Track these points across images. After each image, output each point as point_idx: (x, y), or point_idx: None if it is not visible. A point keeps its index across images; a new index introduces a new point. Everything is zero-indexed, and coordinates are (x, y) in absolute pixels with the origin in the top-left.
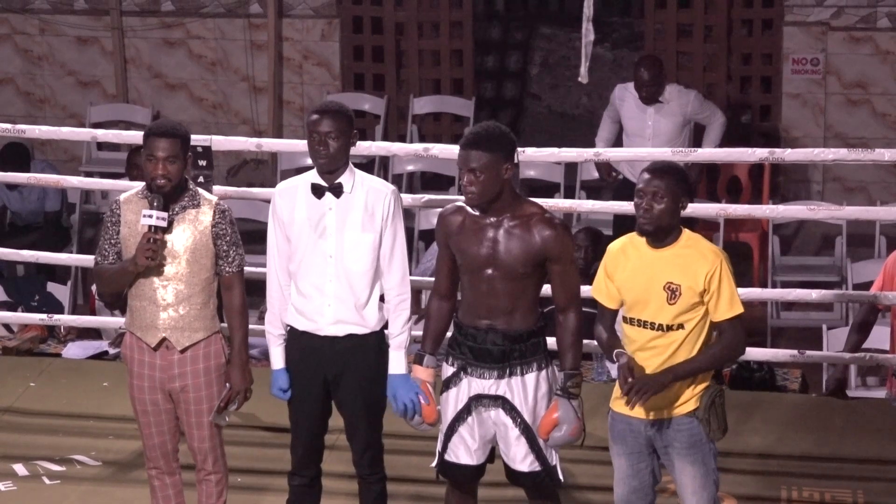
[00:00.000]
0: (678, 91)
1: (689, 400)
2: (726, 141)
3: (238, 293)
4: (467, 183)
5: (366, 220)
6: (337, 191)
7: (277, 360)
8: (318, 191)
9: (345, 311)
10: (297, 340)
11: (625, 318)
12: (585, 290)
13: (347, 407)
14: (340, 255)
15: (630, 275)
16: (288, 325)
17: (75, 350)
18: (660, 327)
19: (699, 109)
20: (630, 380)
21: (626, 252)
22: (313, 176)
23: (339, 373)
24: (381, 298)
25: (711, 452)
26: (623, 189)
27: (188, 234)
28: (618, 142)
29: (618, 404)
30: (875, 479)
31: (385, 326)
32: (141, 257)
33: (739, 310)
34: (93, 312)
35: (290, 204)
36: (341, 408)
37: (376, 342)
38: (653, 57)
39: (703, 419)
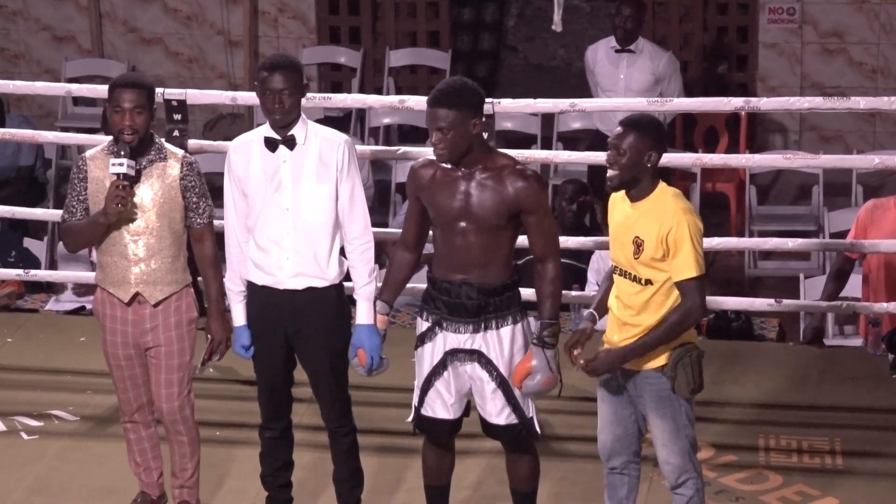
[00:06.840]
0: (652, 46)
1: (660, 354)
2: (703, 91)
3: (209, 244)
4: (436, 141)
5: (321, 171)
6: (290, 143)
7: (238, 316)
8: (271, 144)
9: (304, 264)
10: (256, 296)
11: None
12: (563, 241)
13: (310, 361)
14: (297, 208)
15: (614, 225)
16: (247, 281)
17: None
18: (635, 278)
19: (670, 71)
20: (582, 361)
21: (615, 203)
22: (266, 130)
23: (299, 327)
24: (342, 251)
25: (683, 409)
26: (596, 141)
27: (157, 187)
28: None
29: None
30: (852, 427)
31: (345, 279)
32: (110, 205)
33: (692, 273)
34: None
35: (244, 159)
36: (304, 363)
37: (336, 295)
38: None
39: (669, 376)
